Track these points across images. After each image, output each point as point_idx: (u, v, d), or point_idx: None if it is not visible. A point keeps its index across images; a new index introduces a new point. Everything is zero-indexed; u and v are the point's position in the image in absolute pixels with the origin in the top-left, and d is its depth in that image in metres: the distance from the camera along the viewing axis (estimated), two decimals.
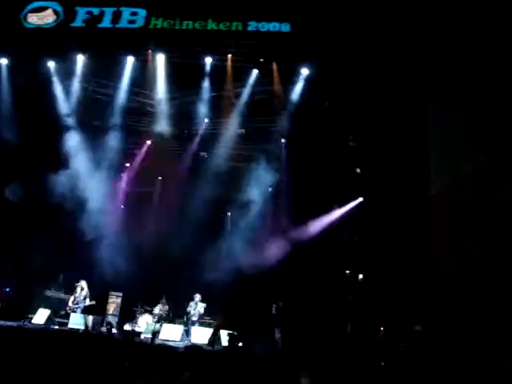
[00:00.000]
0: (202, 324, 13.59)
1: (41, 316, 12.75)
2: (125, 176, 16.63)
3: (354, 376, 6.35)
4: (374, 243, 12.94)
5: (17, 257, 14.10)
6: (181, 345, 11.07)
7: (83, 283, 13.71)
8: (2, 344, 5.83)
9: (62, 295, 14.07)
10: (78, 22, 12.36)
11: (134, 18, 12.31)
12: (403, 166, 12.38)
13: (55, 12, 12.42)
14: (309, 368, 5.50)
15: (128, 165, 16.48)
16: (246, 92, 13.89)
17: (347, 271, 14.18)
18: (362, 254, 13.39)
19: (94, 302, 13.63)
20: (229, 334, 11.90)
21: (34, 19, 12.37)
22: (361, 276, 13.82)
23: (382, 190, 12.98)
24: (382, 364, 9.01)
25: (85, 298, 13.57)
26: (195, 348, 7.79)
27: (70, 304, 13.51)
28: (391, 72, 12.20)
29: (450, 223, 10.56)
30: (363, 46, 11.99)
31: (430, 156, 11.53)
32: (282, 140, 14.98)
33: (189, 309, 13.73)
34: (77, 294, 13.60)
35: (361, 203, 14.13)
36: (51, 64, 13.61)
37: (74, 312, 13.33)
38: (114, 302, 14.56)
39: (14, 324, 10.93)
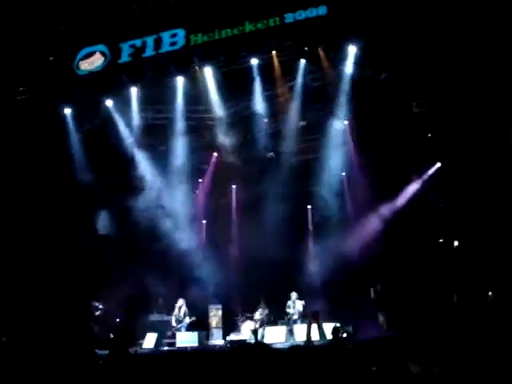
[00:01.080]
0: (303, 321, 13.52)
1: (150, 340, 13.29)
2: (200, 191, 16.99)
3: (468, 348, 5.97)
4: (460, 207, 12.33)
5: (118, 288, 14.74)
6: (287, 345, 11.09)
7: (180, 301, 14.19)
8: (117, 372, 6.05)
9: (165, 317, 14.56)
10: (125, 57, 12.77)
11: (174, 39, 12.52)
12: (476, 124, 11.66)
13: (102, 54, 12.94)
14: (419, 350, 5.29)
15: (200, 180, 16.84)
16: (299, 84, 13.75)
17: (440, 240, 13.68)
18: (451, 220, 12.82)
19: (194, 318, 14.06)
20: (333, 327, 11.85)
21: (85, 66, 12.96)
22: (456, 243, 13.22)
23: (458, 152, 12.32)
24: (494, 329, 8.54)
25: (185, 316, 14.03)
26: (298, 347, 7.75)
27: (173, 324, 14.01)
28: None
29: None
30: (408, 11, 11.46)
31: (504, 106, 10.83)
32: (345, 122, 14.67)
33: (288, 309, 13.77)
34: (176, 313, 14.09)
35: (439, 168, 13.58)
36: (109, 103, 14.24)
37: (179, 331, 13.81)
38: (215, 315, 14.86)
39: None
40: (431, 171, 13.72)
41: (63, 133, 13.98)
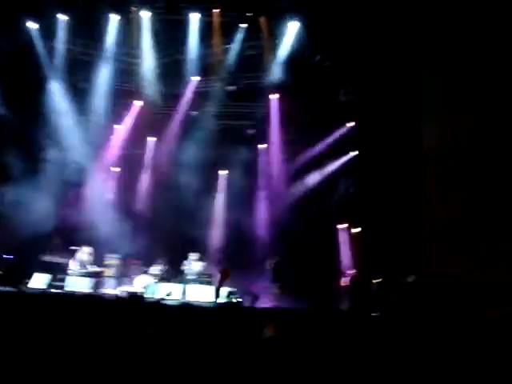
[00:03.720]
0: (199, 282, 13.65)
1: (39, 280, 12.81)
2: (115, 138, 16.39)
3: (347, 330, 6.39)
4: (368, 196, 12.99)
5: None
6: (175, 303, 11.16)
7: (90, 249, 13.86)
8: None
9: (59, 259, 14.07)
10: None
11: None
12: (395, 118, 12.29)
13: None
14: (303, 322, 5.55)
15: (117, 127, 16.24)
16: (235, 48, 13.63)
17: (343, 225, 14.31)
18: (358, 206, 13.47)
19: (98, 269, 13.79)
20: (228, 291, 12.14)
21: None
22: (356, 230, 13.89)
23: (375, 142, 12.93)
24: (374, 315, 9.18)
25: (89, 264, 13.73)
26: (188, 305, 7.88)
27: (73, 267, 13.54)
28: (384, 24, 11.97)
29: (440, 173, 10.63)
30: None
31: (422, 108, 11.47)
32: (272, 96, 14.77)
33: (183, 267, 13.81)
34: (79, 257, 13.71)
35: (355, 156, 14.10)
36: (33, 25, 13.24)
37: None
38: (111, 264, 14.55)
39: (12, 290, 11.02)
40: (347, 158, 14.21)
41: None
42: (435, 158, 10.78)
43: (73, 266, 13.62)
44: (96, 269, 13.76)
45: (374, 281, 12.21)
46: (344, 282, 12.63)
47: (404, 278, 9.80)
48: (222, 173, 16.29)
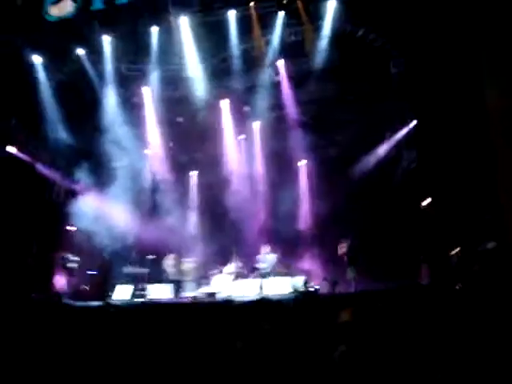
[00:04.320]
0: (276, 274, 13.65)
1: (122, 292, 13.34)
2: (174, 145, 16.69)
3: (429, 307, 6.22)
4: (434, 167, 12.51)
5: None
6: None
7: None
8: (89, 322, 6.11)
9: (139, 269, 14.60)
10: (97, 4, 12.28)
11: None
12: (454, 84, 11.69)
13: None
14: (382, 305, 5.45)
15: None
16: (276, 37, 13.50)
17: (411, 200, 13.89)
18: (424, 180, 13.01)
19: None
20: (304, 280, 12.14)
21: (55, 11, 12.42)
22: (428, 201, 13.40)
23: (435, 110, 12.39)
24: (458, 287, 8.89)
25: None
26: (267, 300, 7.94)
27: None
28: None
29: (507, 133, 10.06)
30: None
31: (482, 70, 10.87)
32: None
33: (258, 262, 13.90)
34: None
35: (415, 127, 13.62)
36: (81, 51, 13.79)
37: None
38: (188, 267, 14.89)
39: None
40: (406, 130, 13.76)
41: (33, 83, 13.56)
42: (500, 118, 10.21)
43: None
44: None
45: (452, 252, 11.89)
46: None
47: (483, 245, 9.37)
48: (300, 163, 16.12)
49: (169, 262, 14.37)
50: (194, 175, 16.89)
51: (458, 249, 11.73)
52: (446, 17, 11.35)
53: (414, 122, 13.56)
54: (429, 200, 13.07)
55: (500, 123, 10.18)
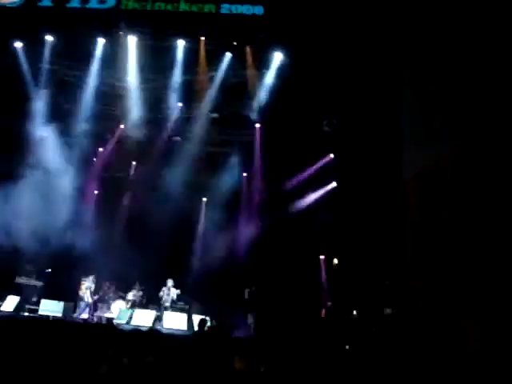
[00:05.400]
0: (174, 309, 13.48)
1: (10, 303, 12.55)
2: (98, 161, 16.31)
3: (327, 359, 6.32)
4: (347, 228, 12.96)
5: None
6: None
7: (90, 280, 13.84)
8: None
9: (33, 281, 13.84)
10: (46, 2, 12.03)
11: None
12: (376, 151, 12.38)
13: None
14: (281, 352, 5.45)
15: (101, 149, 16.16)
16: (219, 76, 13.71)
17: (322, 256, 14.24)
18: (336, 238, 13.42)
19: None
20: (200, 320, 11.92)
21: None
22: (335, 261, 13.86)
23: (356, 175, 12.98)
24: (347, 347, 9.09)
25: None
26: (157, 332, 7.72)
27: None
28: (365, 57, 12.16)
29: (421, 208, 10.64)
30: (337, 29, 11.92)
31: (402, 142, 11.56)
32: (256, 125, 14.83)
33: (161, 294, 13.58)
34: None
35: (335, 188, 14.15)
36: (18, 45, 13.26)
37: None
38: (87, 288, 14.31)
39: None
40: (326, 189, 14.24)
41: None
42: (416, 188, 10.82)
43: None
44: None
45: (354, 312, 12.24)
46: (323, 313, 12.55)
47: (382, 309, 9.74)
48: (204, 199, 16.22)
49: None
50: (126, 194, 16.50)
51: (355, 312, 12.09)
52: (376, 85, 12.11)
53: (334, 184, 14.08)
54: (336, 261, 13.51)
55: (415, 199, 10.79)
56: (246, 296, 13.17)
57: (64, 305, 13.09)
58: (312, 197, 14.52)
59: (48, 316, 12.47)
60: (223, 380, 4.49)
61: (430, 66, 10.83)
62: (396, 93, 11.59)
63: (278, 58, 13.10)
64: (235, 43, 12.96)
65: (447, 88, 10.70)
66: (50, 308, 12.93)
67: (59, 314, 12.75)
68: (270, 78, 13.43)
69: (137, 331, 7.02)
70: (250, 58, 13.19)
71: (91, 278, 14.01)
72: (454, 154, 10.46)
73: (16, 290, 13.40)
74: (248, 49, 13.12)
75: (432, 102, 10.96)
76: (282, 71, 13.21)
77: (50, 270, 14.17)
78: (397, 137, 11.59)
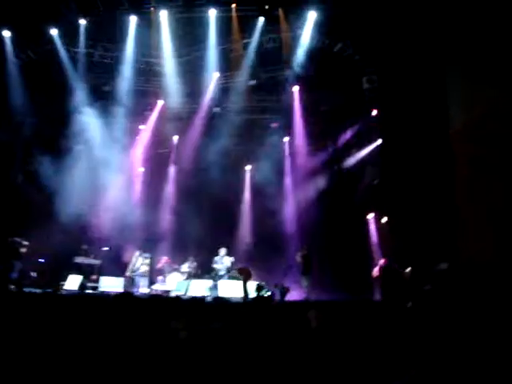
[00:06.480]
0: (230, 277, 13.66)
1: (73, 282, 13.06)
2: (141, 139, 16.53)
3: (380, 319, 6.33)
4: (395, 185, 12.78)
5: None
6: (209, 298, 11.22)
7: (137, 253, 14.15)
8: (36, 310, 5.96)
9: (92, 260, 14.36)
10: None
11: None
12: (420, 105, 12.01)
13: None
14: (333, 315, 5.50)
15: (142, 127, 16.37)
16: (254, 42, 13.53)
17: (371, 214, 14.14)
18: (384, 196, 13.27)
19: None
20: (256, 285, 12.10)
21: None
22: (385, 219, 13.71)
23: (401, 131, 12.69)
24: (409, 305, 9.03)
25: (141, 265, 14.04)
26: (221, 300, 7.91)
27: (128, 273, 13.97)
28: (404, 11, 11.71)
29: (469, 160, 10.35)
30: None
31: (447, 95, 11.18)
32: (295, 88, 14.64)
33: (215, 264, 13.84)
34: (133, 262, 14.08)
35: (380, 145, 13.90)
36: (54, 32, 13.42)
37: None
38: (143, 264, 14.72)
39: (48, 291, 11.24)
40: (371, 147, 14.02)
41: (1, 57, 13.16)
42: (464, 140, 10.51)
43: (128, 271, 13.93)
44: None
45: (406, 270, 12.14)
46: (375, 271, 12.50)
47: (436, 265, 9.55)
48: (248, 168, 16.29)
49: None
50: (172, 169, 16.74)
51: (410, 268, 11.98)
52: (416, 38, 11.67)
53: (380, 141, 13.84)
54: (385, 219, 13.39)
55: (463, 144, 10.48)
56: (299, 259, 13.23)
57: (124, 280, 13.51)
58: (358, 155, 14.34)
59: (109, 292, 12.88)
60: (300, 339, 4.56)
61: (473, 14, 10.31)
62: (440, 42, 11.13)
63: (312, 17, 12.80)
64: (267, 7, 12.72)
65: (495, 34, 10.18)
66: (111, 284, 13.34)
67: (120, 290, 13.15)
68: (305, 38, 13.18)
69: (201, 300, 7.24)
70: (283, 21, 12.95)
71: (146, 253, 14.40)
72: (504, 100, 10.04)
73: (76, 269, 13.93)
74: (280, 11, 12.85)
75: (479, 47, 10.48)
76: (316, 31, 12.93)
77: (107, 248, 14.59)
78: (441, 88, 11.21)
